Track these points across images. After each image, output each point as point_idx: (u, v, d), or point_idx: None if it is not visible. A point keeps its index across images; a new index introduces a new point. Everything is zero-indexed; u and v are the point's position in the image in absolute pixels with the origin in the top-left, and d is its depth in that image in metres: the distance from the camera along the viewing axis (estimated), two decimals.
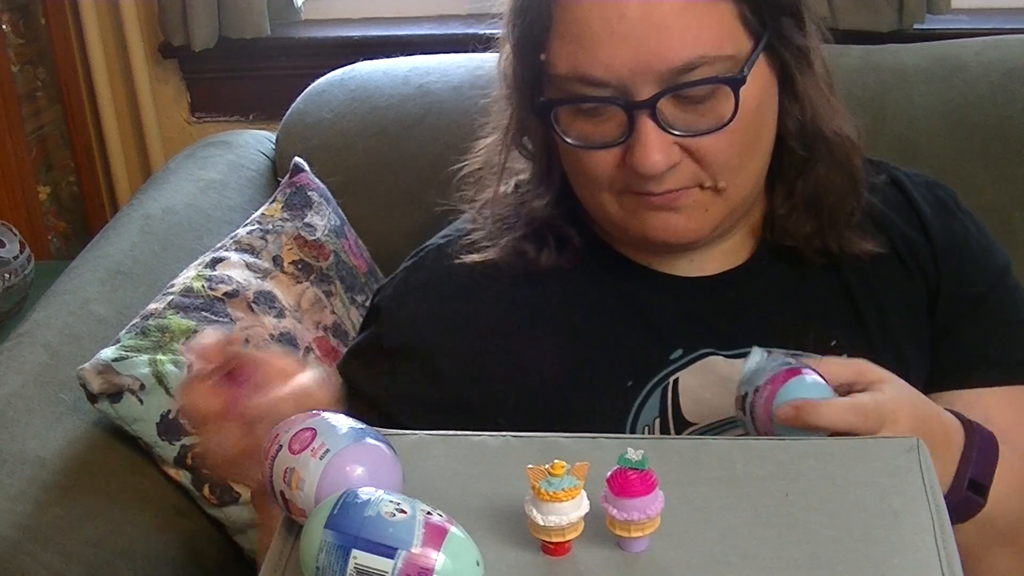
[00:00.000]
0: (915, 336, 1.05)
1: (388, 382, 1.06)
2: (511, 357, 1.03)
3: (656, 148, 0.93)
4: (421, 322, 1.06)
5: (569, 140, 0.97)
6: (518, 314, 1.05)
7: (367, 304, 1.42)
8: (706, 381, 1.01)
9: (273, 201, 1.44)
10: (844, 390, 0.88)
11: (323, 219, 1.42)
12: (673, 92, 0.93)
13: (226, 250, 1.35)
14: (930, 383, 1.04)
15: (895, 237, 1.06)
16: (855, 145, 1.05)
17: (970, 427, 0.93)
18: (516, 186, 1.09)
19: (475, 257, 1.07)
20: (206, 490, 1.19)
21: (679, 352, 1.02)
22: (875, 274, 1.05)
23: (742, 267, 1.06)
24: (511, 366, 1.03)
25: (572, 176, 1.02)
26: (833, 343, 1.02)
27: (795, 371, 0.87)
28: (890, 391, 0.88)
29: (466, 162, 1.14)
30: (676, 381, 1.01)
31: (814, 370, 0.87)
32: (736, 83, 0.94)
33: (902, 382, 0.90)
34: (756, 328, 1.02)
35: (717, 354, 1.02)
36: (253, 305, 1.29)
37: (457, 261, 1.07)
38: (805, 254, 1.05)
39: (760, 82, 0.97)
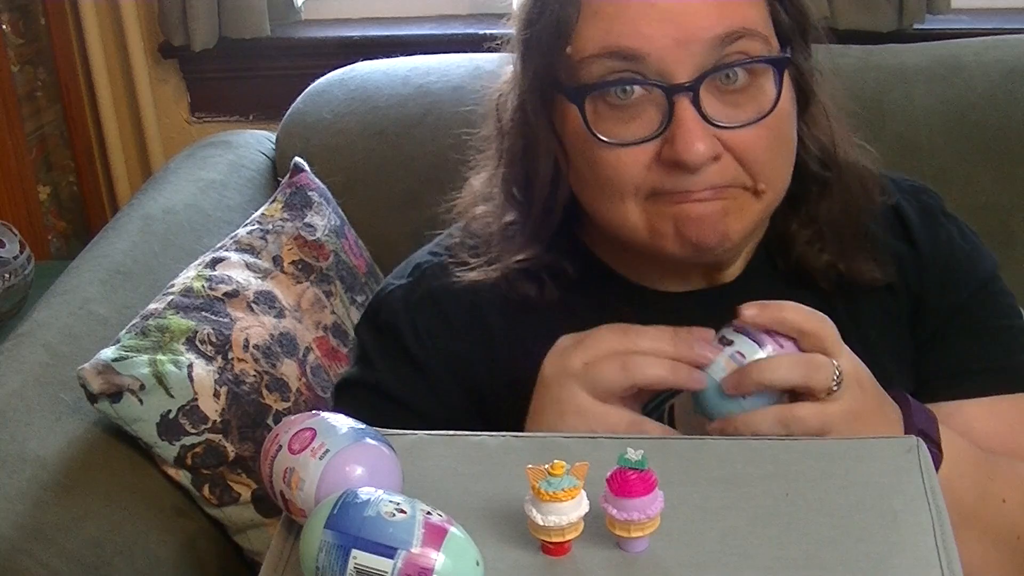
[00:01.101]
0: (897, 350, 1.04)
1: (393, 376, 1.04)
2: (507, 381, 1.01)
3: (698, 136, 0.89)
4: (423, 336, 1.04)
5: (601, 137, 0.92)
6: (514, 340, 1.02)
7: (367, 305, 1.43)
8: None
9: (273, 201, 1.44)
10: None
11: (323, 219, 1.42)
12: (716, 72, 0.90)
13: (226, 250, 1.35)
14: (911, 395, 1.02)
15: (879, 247, 1.04)
16: (871, 172, 1.03)
17: (895, 392, 0.93)
18: (506, 223, 1.05)
19: (470, 279, 1.03)
20: (206, 490, 1.19)
21: None
22: (857, 288, 1.04)
23: (735, 281, 1.03)
24: (507, 390, 1.00)
25: (590, 187, 0.96)
26: None
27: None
28: (848, 359, 0.88)
29: (454, 201, 1.11)
30: (671, 408, 0.98)
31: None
32: (781, 63, 0.92)
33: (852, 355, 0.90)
34: None
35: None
36: (253, 305, 1.29)
37: (451, 288, 1.04)
38: (813, 275, 1.03)
39: (788, 88, 0.94)
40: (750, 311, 0.87)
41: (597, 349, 0.89)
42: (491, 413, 1.00)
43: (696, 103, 0.90)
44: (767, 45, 0.93)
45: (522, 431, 0.91)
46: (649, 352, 0.88)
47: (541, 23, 0.95)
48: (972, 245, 1.08)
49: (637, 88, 0.91)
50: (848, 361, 0.88)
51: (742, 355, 0.87)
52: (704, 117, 0.90)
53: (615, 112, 0.92)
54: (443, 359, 1.03)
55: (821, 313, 0.89)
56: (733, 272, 1.04)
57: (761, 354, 0.86)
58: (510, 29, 1.02)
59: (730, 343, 0.88)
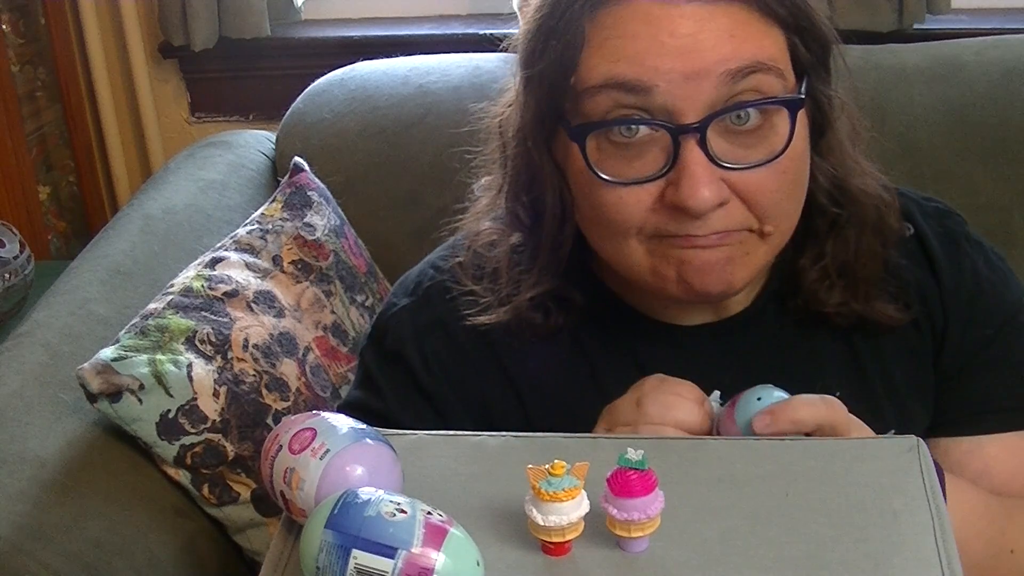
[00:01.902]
0: (918, 387, 1.01)
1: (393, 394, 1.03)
2: (516, 408, 1.00)
3: (704, 181, 0.85)
4: (432, 364, 1.02)
5: (602, 175, 0.88)
6: (522, 369, 1.01)
7: (367, 304, 1.43)
8: None
9: (273, 201, 1.44)
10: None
11: (323, 219, 1.42)
12: (725, 113, 0.86)
13: (226, 250, 1.35)
14: (930, 431, 1.00)
15: (901, 281, 1.01)
16: (887, 204, 0.99)
17: None
18: (513, 245, 1.01)
19: (480, 318, 1.00)
20: (206, 490, 1.19)
21: None
22: (878, 323, 1.00)
23: (744, 312, 1.00)
24: (516, 417, 1.00)
25: (593, 225, 0.93)
26: (837, 394, 0.94)
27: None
28: (856, 434, 0.88)
29: (459, 216, 1.08)
30: None
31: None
32: (794, 104, 0.87)
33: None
34: (758, 379, 0.94)
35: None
36: (253, 305, 1.29)
37: (459, 312, 1.01)
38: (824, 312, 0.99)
39: (802, 127, 0.90)
40: (761, 423, 0.84)
41: (614, 420, 0.89)
42: None
43: (703, 145, 0.85)
44: (782, 79, 0.88)
45: None
46: (657, 421, 0.87)
47: (545, 58, 0.90)
48: (998, 274, 1.04)
49: (643, 127, 0.87)
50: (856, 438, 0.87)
51: None
52: (711, 158, 0.86)
53: (619, 150, 0.88)
54: (453, 387, 1.02)
55: (829, 397, 0.86)
56: (740, 301, 1.00)
57: None
58: (510, 29, 1.01)
59: None
